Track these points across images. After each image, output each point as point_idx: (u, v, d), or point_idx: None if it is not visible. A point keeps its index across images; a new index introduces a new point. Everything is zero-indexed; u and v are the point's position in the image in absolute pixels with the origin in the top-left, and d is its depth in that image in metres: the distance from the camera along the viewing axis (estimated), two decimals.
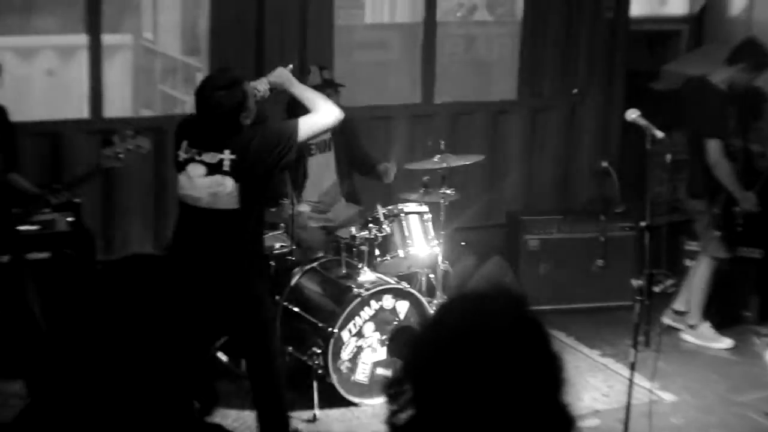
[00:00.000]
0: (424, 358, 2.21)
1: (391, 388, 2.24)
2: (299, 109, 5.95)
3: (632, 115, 6.35)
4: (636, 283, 5.93)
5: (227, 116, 5.53)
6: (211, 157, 5.59)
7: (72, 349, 2.29)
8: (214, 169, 5.59)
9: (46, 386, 2.34)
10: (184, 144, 5.71)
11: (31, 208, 6.47)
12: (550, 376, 2.18)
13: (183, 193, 5.74)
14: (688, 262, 8.23)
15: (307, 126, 5.69)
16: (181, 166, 5.71)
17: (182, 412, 2.32)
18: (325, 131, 6.15)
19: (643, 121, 6.28)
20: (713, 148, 7.36)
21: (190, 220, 5.77)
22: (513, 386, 2.12)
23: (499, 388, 2.12)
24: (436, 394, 2.15)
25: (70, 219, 6.80)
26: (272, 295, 6.78)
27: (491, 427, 2.11)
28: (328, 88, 7.44)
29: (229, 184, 5.56)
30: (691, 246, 8.23)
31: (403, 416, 2.20)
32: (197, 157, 5.63)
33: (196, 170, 5.63)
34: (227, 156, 5.56)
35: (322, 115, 5.75)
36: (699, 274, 7.69)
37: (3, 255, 6.22)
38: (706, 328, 7.73)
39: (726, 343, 7.71)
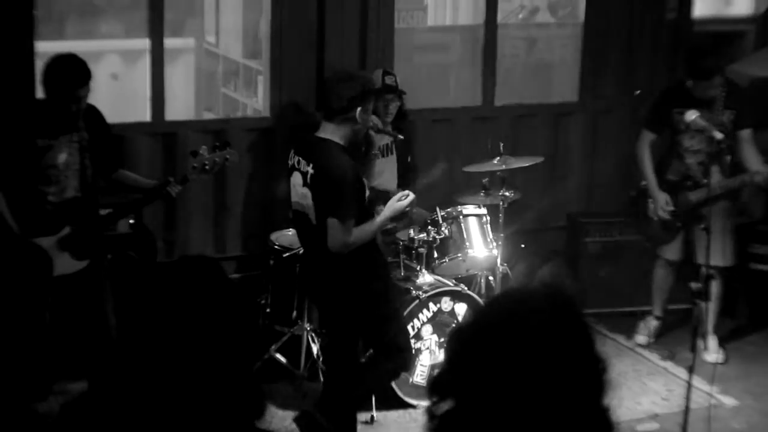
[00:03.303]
0: (463, 347, 2.22)
1: (435, 382, 2.26)
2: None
3: (692, 116, 6.30)
4: (695, 286, 5.84)
5: (343, 102, 5.54)
6: (304, 167, 5.63)
7: (133, 350, 2.33)
8: (304, 180, 5.63)
9: (105, 385, 2.37)
10: (291, 152, 5.78)
11: (150, 198, 6.52)
12: (590, 376, 2.17)
13: (292, 200, 5.78)
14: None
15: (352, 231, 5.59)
16: (288, 173, 5.79)
17: (235, 417, 2.33)
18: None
19: (702, 122, 6.23)
20: None
21: (299, 228, 5.89)
22: (549, 382, 2.12)
23: (534, 382, 2.11)
24: (474, 385, 2.16)
25: (131, 221, 6.85)
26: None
27: (526, 421, 2.11)
28: (388, 93, 7.40)
29: (309, 199, 5.61)
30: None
31: (444, 406, 2.21)
32: (297, 165, 5.67)
33: (296, 179, 5.68)
34: (310, 170, 5.58)
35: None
36: None
37: (87, 258, 6.27)
38: None
39: None
